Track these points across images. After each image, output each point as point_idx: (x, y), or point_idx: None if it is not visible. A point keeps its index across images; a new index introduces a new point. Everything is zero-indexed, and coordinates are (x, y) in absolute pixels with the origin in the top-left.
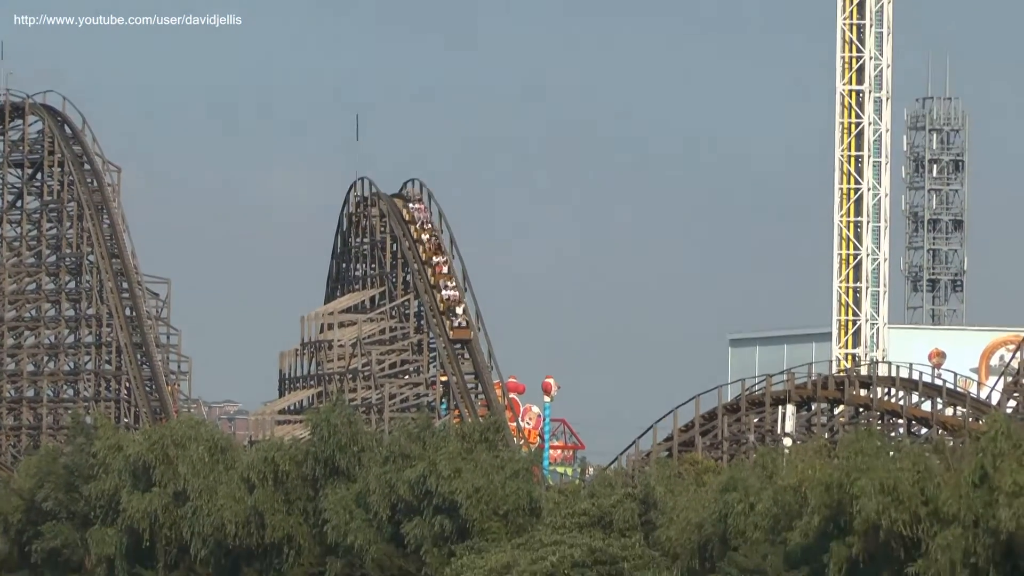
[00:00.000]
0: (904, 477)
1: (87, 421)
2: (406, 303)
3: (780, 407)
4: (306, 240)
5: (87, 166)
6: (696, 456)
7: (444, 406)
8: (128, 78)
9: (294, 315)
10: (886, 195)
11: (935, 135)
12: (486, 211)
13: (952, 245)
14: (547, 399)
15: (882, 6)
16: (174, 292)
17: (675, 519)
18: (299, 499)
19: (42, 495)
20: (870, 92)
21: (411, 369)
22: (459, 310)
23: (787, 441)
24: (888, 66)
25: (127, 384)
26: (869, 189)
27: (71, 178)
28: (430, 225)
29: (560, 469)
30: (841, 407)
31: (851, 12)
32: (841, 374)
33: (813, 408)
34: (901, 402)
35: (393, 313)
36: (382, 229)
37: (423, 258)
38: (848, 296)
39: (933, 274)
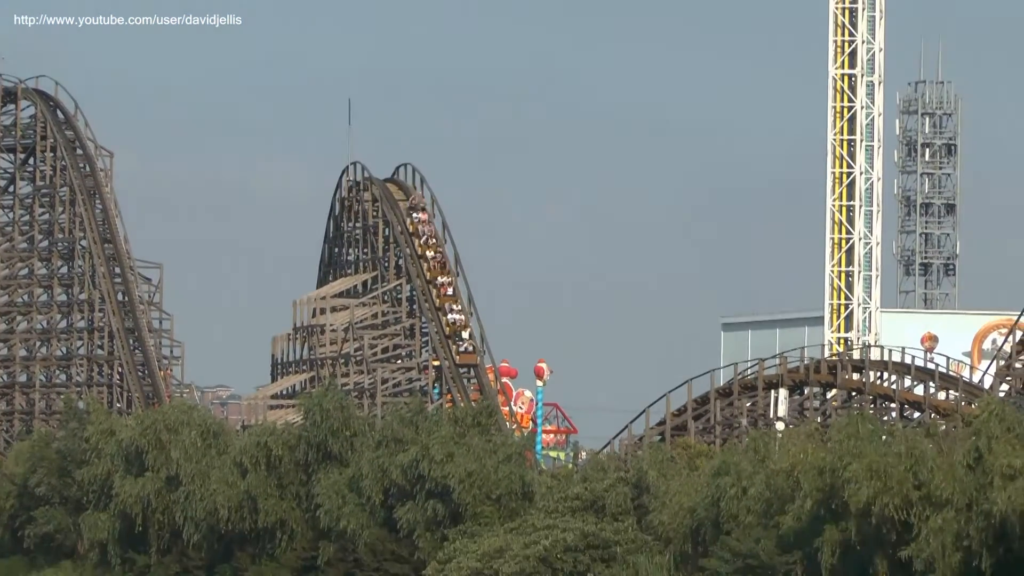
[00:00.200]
0: (896, 462)
1: (80, 406)
2: (398, 288)
3: (773, 391)
4: (298, 225)
5: (79, 151)
6: (689, 440)
7: (436, 391)
8: (127, 78)
9: (286, 300)
10: (879, 179)
11: (927, 119)
12: (478, 195)
13: (944, 229)
14: (540, 383)
15: None
16: (166, 277)
17: (668, 503)
18: (292, 484)
19: (35, 480)
20: (863, 76)
21: (403, 354)
22: (465, 334)
23: (780, 425)
24: (880, 50)
25: (119, 369)
26: (862, 173)
27: (63, 163)
28: (434, 240)
29: (553, 453)
30: (834, 391)
31: None
32: (834, 358)
33: (806, 392)
34: (894, 386)
35: (385, 298)
36: (374, 214)
37: (428, 276)
38: (841, 280)
39: (925, 258)
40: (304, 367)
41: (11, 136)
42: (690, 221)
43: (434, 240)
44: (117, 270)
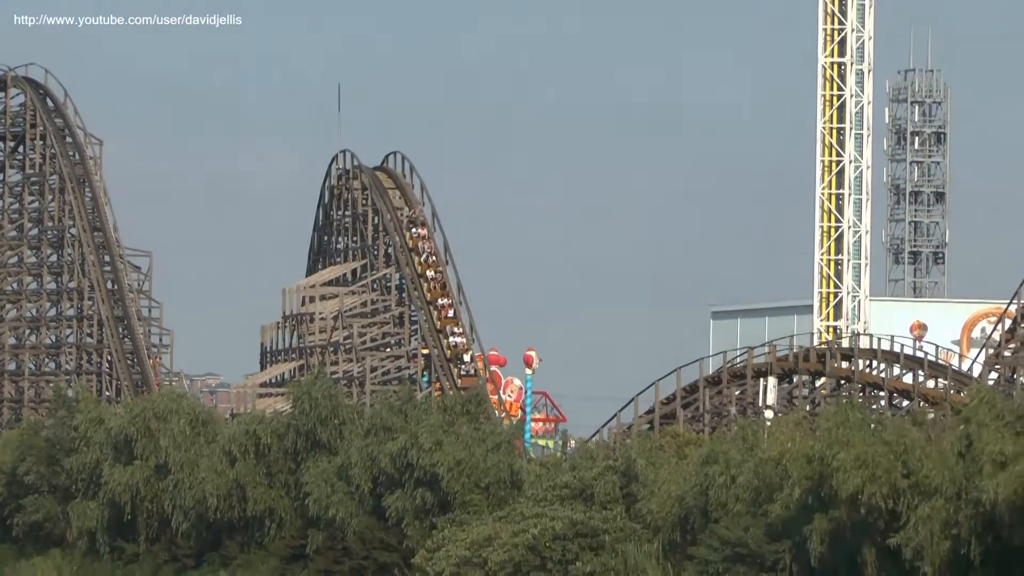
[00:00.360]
0: (884, 450)
1: (69, 394)
2: (388, 276)
3: (762, 379)
4: (288, 213)
5: (69, 139)
6: (677, 429)
7: (425, 379)
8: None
9: (276, 288)
10: (868, 167)
11: (917, 107)
12: (468, 183)
13: (934, 217)
14: (529, 372)
15: None
16: (156, 265)
17: (656, 492)
18: (280, 472)
19: (23, 469)
20: (852, 64)
21: (392, 342)
22: (467, 357)
23: (768, 413)
24: (870, 38)
25: (109, 357)
26: (851, 161)
27: (53, 151)
28: (435, 259)
29: (542, 442)
30: (823, 379)
31: None
32: (823, 346)
33: (795, 380)
34: (882, 374)
35: (375, 286)
36: (364, 202)
37: (428, 297)
38: (830, 268)
39: (915, 246)
40: (293, 355)
41: (1, 124)
42: (679, 209)
43: (434, 259)
44: (106, 258)
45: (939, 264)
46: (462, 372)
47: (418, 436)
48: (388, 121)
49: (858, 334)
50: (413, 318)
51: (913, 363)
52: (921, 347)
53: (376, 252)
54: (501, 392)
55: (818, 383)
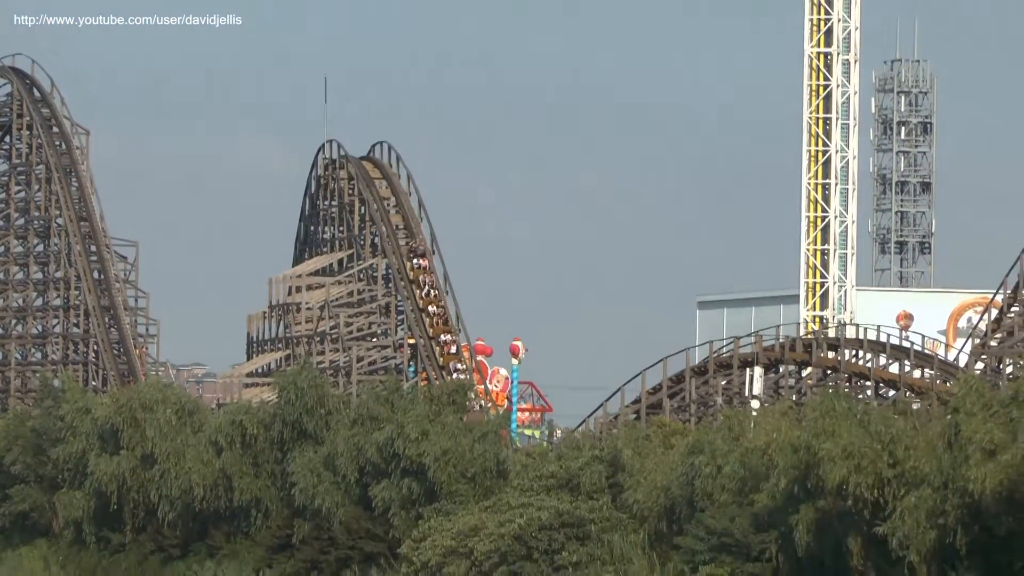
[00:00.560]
0: (871, 440)
1: (55, 384)
2: (374, 266)
3: (748, 369)
4: (274, 203)
5: (56, 129)
6: (664, 419)
7: (412, 369)
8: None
9: (262, 278)
10: (854, 157)
11: (903, 97)
12: (454, 173)
13: (920, 207)
14: (515, 362)
15: None
16: (142, 255)
17: (642, 481)
18: (267, 462)
19: (10, 458)
20: (838, 54)
21: (379, 332)
22: (471, 394)
23: (755, 403)
24: (856, 28)
25: (95, 347)
26: (837, 151)
27: (39, 141)
28: (436, 293)
29: (528, 432)
30: (809, 369)
31: None
32: (809, 336)
33: (781, 370)
34: (869, 364)
35: (361, 276)
36: (350, 192)
37: (430, 333)
38: (816, 258)
39: (901, 236)
40: (279, 345)
41: None
42: (665, 199)
43: (435, 292)
44: (93, 248)
45: (925, 254)
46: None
47: (404, 426)
48: (375, 111)
49: (844, 324)
50: (399, 308)
51: (899, 353)
52: (907, 337)
53: (362, 242)
54: (487, 382)
55: (804, 373)
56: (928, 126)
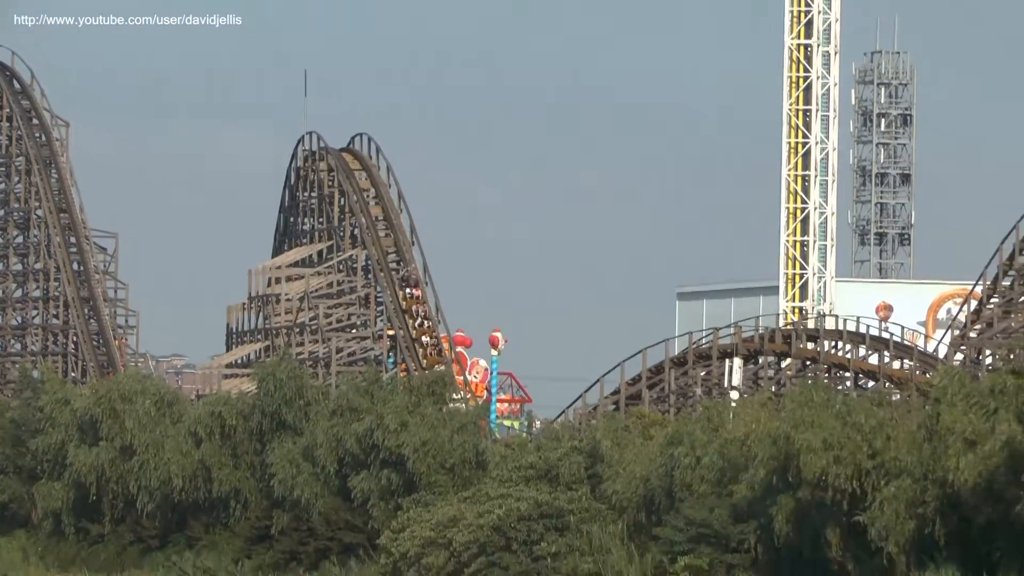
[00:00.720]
0: (851, 432)
1: (34, 375)
2: (354, 257)
3: (727, 360)
4: (254, 195)
5: (35, 121)
6: (643, 409)
7: (391, 360)
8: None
9: (242, 269)
10: (834, 149)
11: (883, 89)
12: (434, 165)
13: (900, 199)
14: (494, 353)
15: None
16: (122, 247)
17: (621, 472)
18: (246, 453)
19: None
20: (818, 46)
21: (358, 323)
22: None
23: (734, 394)
24: (836, 20)
25: (74, 338)
26: (817, 143)
27: (19, 132)
28: (429, 324)
29: (507, 422)
30: (788, 360)
31: None
32: (788, 327)
33: (760, 361)
34: (848, 355)
35: (341, 267)
36: (330, 183)
37: (424, 364)
38: (796, 250)
39: (880, 227)
40: (259, 336)
41: None
42: (646, 191)
43: (428, 323)
44: (72, 240)
45: (905, 245)
46: None
47: (384, 417)
48: (355, 104)
49: (824, 315)
50: (379, 299)
51: (879, 344)
52: (887, 328)
53: (342, 233)
54: (467, 373)
55: (783, 364)
56: (908, 118)
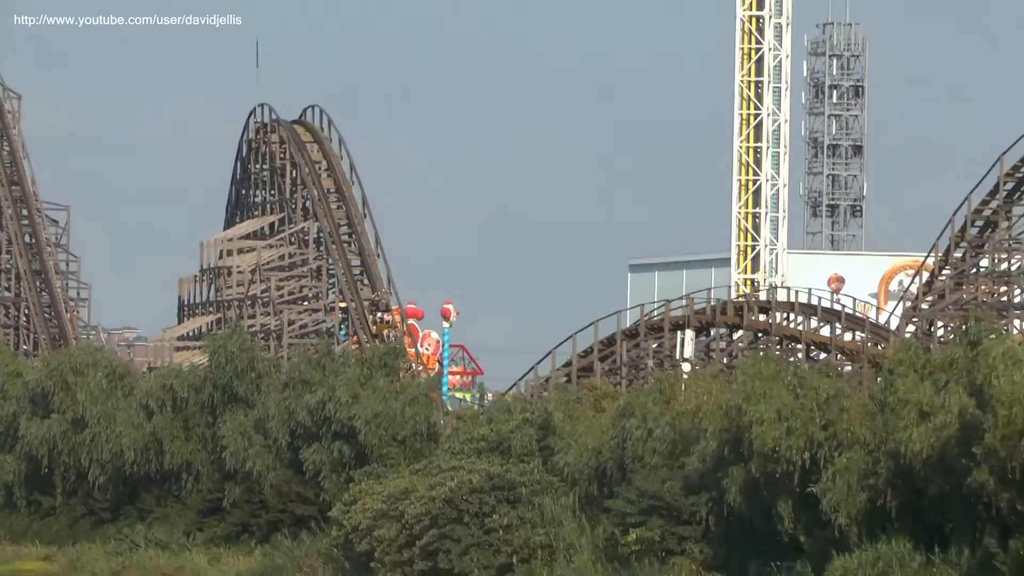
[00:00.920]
0: (801, 403)
1: None
2: (305, 229)
3: (679, 332)
4: (206, 167)
5: None
6: (595, 382)
7: (343, 332)
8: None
9: (193, 241)
10: (786, 121)
11: (835, 61)
12: (385, 137)
13: (852, 170)
14: (446, 325)
15: None
16: (74, 219)
17: (573, 444)
18: (198, 425)
19: None
20: (771, 18)
21: (310, 295)
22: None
23: (686, 366)
24: None
25: (26, 311)
26: (769, 115)
27: None
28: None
29: (459, 395)
30: (740, 332)
31: None
32: (740, 299)
33: (712, 333)
34: (800, 327)
35: (292, 239)
36: (282, 155)
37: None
38: (748, 221)
39: (832, 199)
40: (211, 309)
41: None
42: (597, 162)
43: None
44: (24, 212)
45: (857, 217)
46: None
47: (335, 389)
48: (307, 75)
49: (775, 287)
50: (331, 271)
51: (830, 316)
52: (839, 300)
53: (294, 205)
54: (418, 345)
55: (735, 336)
56: (860, 89)
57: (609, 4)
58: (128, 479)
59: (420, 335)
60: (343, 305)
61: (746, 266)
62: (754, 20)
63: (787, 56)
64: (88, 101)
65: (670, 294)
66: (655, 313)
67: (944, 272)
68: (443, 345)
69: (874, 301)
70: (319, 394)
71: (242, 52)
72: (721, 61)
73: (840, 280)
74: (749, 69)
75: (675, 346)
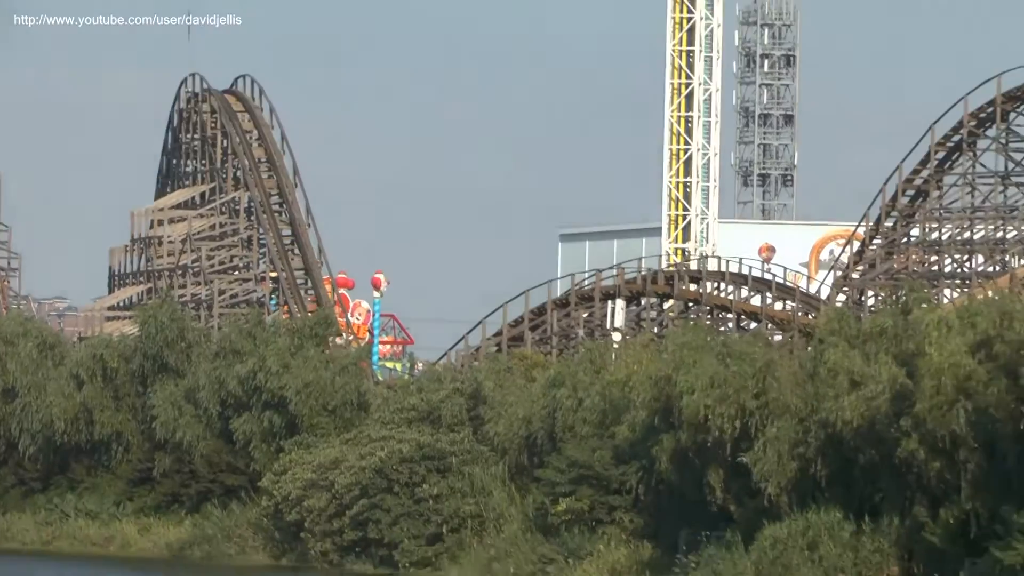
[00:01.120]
0: (733, 371)
1: None
2: (236, 199)
3: (610, 302)
4: (137, 136)
5: None
6: (525, 351)
7: (274, 302)
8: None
9: (124, 211)
10: (717, 90)
11: (766, 30)
12: (316, 107)
13: (783, 140)
14: (377, 294)
15: None
16: (4, 188)
17: (503, 414)
18: (128, 395)
19: None
20: None
21: (241, 265)
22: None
23: (616, 336)
24: None
25: None
26: (700, 84)
27: None
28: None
29: (389, 364)
30: (671, 302)
31: None
32: (671, 269)
33: (643, 303)
34: (731, 296)
35: (223, 209)
36: (213, 125)
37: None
38: (679, 191)
39: (764, 169)
40: (142, 279)
41: None
42: (528, 132)
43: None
44: None
45: (788, 186)
46: None
47: (266, 359)
48: (238, 45)
49: (706, 256)
50: (261, 241)
51: (761, 285)
52: (769, 269)
53: (225, 175)
54: (349, 315)
55: (666, 305)
56: (791, 59)
57: None
58: (58, 449)
59: (351, 305)
60: (274, 275)
61: (677, 235)
62: None
63: (719, 25)
64: (20, 68)
65: (601, 264)
66: (586, 283)
67: (875, 241)
68: (374, 315)
69: (805, 270)
70: (249, 364)
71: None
72: (653, 30)
73: (771, 249)
74: (681, 38)
75: (606, 316)
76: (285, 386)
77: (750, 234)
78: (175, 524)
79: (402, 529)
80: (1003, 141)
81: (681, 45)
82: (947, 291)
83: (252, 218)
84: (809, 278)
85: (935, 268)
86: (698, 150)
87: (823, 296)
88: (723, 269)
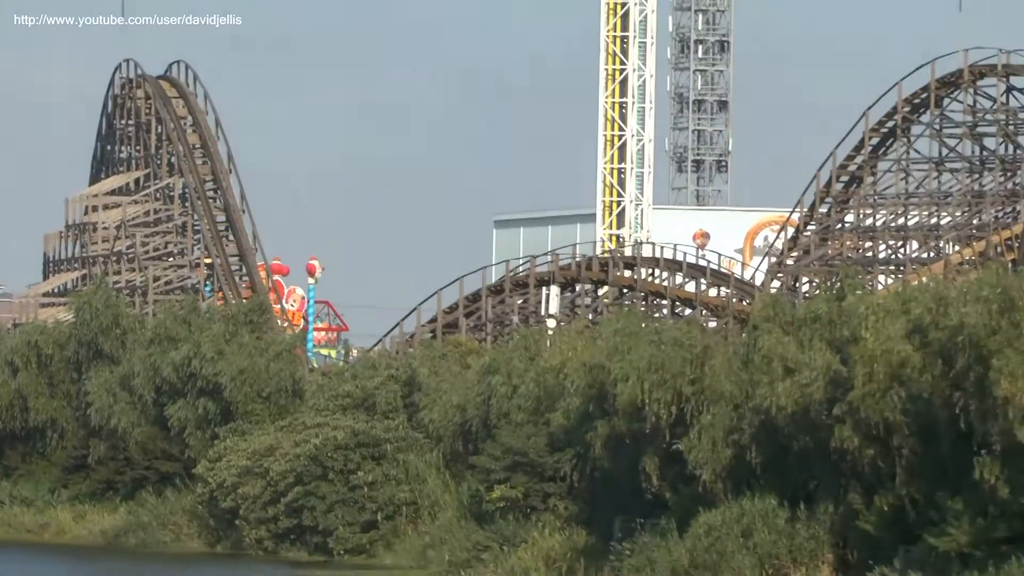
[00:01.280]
0: (668, 357)
1: None
2: (171, 185)
3: (544, 288)
4: (71, 122)
5: None
6: (460, 338)
7: (208, 288)
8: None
9: (59, 197)
10: (651, 76)
11: (701, 16)
12: (251, 92)
13: (717, 126)
14: (311, 281)
15: None
16: None
17: (438, 401)
18: (63, 382)
19: None
20: None
21: (175, 251)
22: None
23: (551, 322)
24: None
25: None
26: (634, 70)
27: None
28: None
29: (324, 351)
30: (605, 288)
31: None
32: (605, 255)
33: (577, 289)
34: (665, 283)
35: (158, 195)
36: (147, 111)
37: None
38: (613, 177)
39: (698, 155)
40: (76, 265)
41: None
42: (462, 117)
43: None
44: None
45: (722, 172)
46: None
47: (201, 345)
48: (172, 30)
49: (641, 243)
50: (196, 227)
51: (696, 271)
52: (704, 255)
53: (159, 161)
54: (284, 301)
55: (600, 292)
56: (725, 44)
57: None
58: None
59: (285, 291)
60: (208, 261)
61: (611, 222)
62: None
63: (653, 11)
64: None
65: (535, 250)
66: (520, 269)
67: (809, 228)
68: (308, 301)
69: (739, 257)
70: (184, 350)
71: (110, 5)
72: (586, 16)
73: (705, 235)
74: (615, 24)
75: (540, 302)
76: (220, 372)
77: (684, 220)
78: (110, 511)
79: (337, 516)
80: (937, 127)
81: (615, 31)
82: (881, 277)
83: (187, 204)
84: (743, 264)
85: (869, 254)
86: (632, 136)
87: (757, 282)
88: (657, 255)
